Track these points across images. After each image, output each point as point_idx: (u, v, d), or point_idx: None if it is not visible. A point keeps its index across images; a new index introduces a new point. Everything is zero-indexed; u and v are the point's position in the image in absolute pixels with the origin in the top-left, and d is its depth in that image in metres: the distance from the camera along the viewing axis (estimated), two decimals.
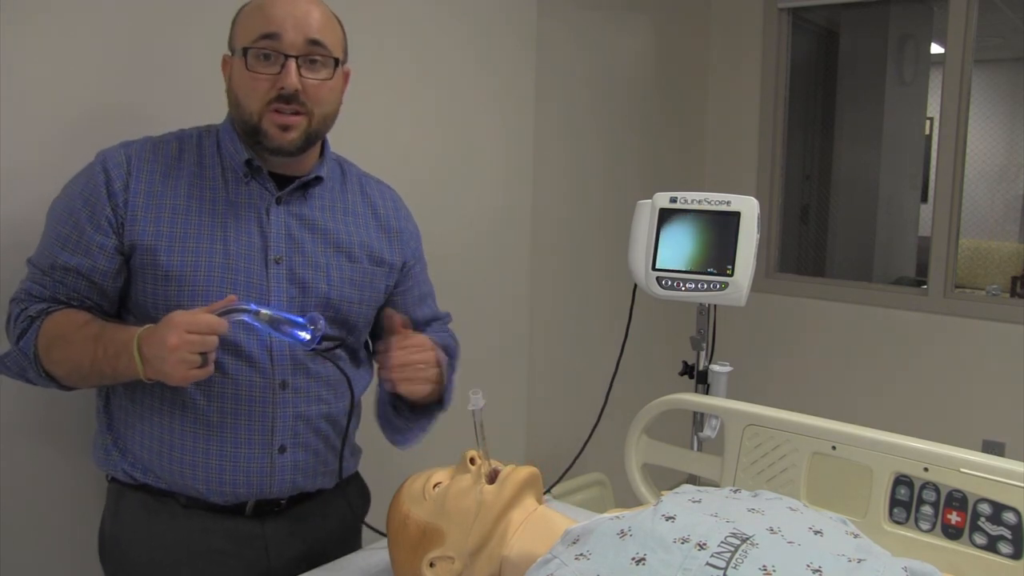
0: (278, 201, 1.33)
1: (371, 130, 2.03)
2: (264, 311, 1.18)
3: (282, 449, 1.31)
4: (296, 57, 1.25)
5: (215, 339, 1.15)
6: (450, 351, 1.49)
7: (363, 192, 1.45)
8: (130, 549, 1.32)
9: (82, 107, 1.51)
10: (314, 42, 1.26)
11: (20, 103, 1.43)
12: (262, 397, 1.29)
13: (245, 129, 1.29)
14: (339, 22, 1.33)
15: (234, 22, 1.31)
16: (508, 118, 2.45)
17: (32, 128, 1.44)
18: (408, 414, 1.46)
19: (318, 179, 1.37)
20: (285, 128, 1.27)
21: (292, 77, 1.24)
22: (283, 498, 1.35)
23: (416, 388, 1.33)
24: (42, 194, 1.34)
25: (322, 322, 1.23)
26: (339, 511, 1.44)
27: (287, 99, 1.25)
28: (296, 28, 1.25)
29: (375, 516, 1.47)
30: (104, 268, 1.25)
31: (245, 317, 1.18)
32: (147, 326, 1.19)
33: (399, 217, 1.48)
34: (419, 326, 1.49)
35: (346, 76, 1.35)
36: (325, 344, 1.30)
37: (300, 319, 1.22)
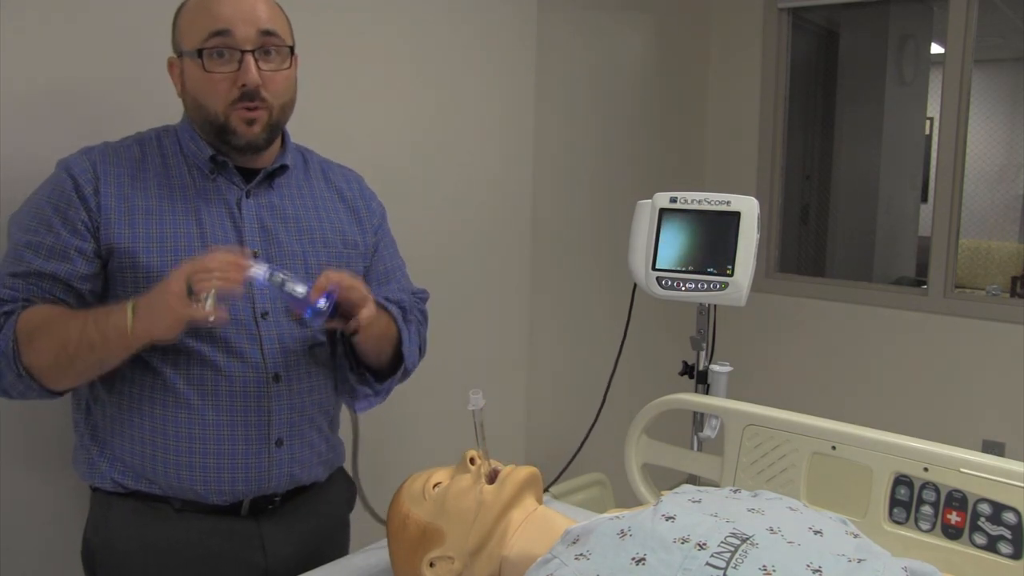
0: (247, 194, 1.33)
1: (370, 129, 2.03)
2: (278, 274, 1.19)
3: (279, 443, 1.31)
4: (252, 51, 1.24)
5: (208, 263, 1.12)
6: (404, 307, 1.47)
7: (327, 178, 1.46)
8: (123, 557, 1.30)
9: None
10: (266, 32, 1.25)
11: (18, 102, 1.42)
12: (256, 392, 1.29)
13: (211, 130, 1.28)
14: (281, 7, 1.32)
15: (176, 23, 1.30)
16: (508, 117, 2.45)
17: (29, 128, 1.44)
18: (374, 382, 1.45)
19: (283, 168, 1.37)
20: (251, 123, 1.27)
21: (252, 73, 1.24)
22: (280, 493, 1.34)
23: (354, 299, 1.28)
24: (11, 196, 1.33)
25: (335, 296, 1.23)
26: (330, 505, 1.44)
27: (250, 95, 1.25)
28: (246, 21, 1.23)
29: (360, 510, 1.48)
30: (83, 272, 1.24)
31: (259, 274, 1.18)
32: None
33: (364, 197, 1.49)
34: None
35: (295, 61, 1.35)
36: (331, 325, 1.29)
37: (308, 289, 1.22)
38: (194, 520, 1.30)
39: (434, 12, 2.17)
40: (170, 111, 1.38)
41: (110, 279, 1.26)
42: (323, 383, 1.38)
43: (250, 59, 1.23)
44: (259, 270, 1.18)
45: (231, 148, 1.29)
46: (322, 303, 1.21)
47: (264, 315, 1.30)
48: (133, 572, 1.30)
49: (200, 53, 1.23)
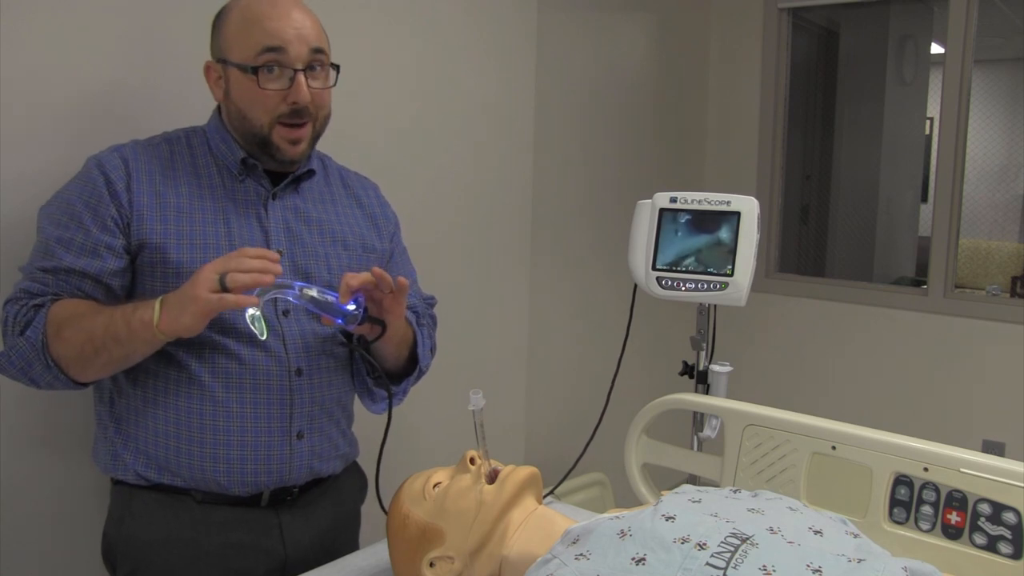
0: (273, 196, 1.36)
1: (370, 129, 2.03)
2: (307, 289, 1.21)
3: (300, 435, 1.34)
4: (303, 70, 1.27)
5: (240, 259, 1.15)
6: (417, 312, 1.52)
7: (345, 184, 1.50)
8: (145, 550, 1.31)
9: (81, 107, 1.50)
10: (316, 51, 1.29)
11: (18, 103, 1.42)
12: (279, 385, 1.32)
13: (253, 140, 1.31)
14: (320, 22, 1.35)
15: (219, 30, 1.31)
16: (508, 118, 2.45)
17: (31, 128, 1.44)
18: (390, 384, 1.46)
19: (310, 172, 1.41)
20: (295, 142, 1.31)
21: (304, 92, 1.27)
22: (299, 484, 1.37)
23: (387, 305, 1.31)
24: (39, 194, 1.34)
25: (362, 299, 1.26)
26: (344, 496, 1.48)
27: (299, 113, 1.29)
28: (299, 40, 1.27)
29: (370, 505, 1.48)
30: (112, 268, 1.26)
31: (290, 295, 1.20)
32: None
33: (380, 204, 1.53)
34: None
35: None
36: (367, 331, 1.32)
37: (335, 296, 1.25)
38: (215, 511, 1.32)
39: (434, 11, 2.17)
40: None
41: (139, 273, 1.28)
42: (341, 379, 1.42)
43: (302, 78, 1.27)
44: (288, 290, 1.21)
45: (273, 160, 1.33)
46: (352, 306, 1.24)
47: (285, 313, 1.34)
48: (154, 563, 1.31)
49: (255, 70, 1.26)
